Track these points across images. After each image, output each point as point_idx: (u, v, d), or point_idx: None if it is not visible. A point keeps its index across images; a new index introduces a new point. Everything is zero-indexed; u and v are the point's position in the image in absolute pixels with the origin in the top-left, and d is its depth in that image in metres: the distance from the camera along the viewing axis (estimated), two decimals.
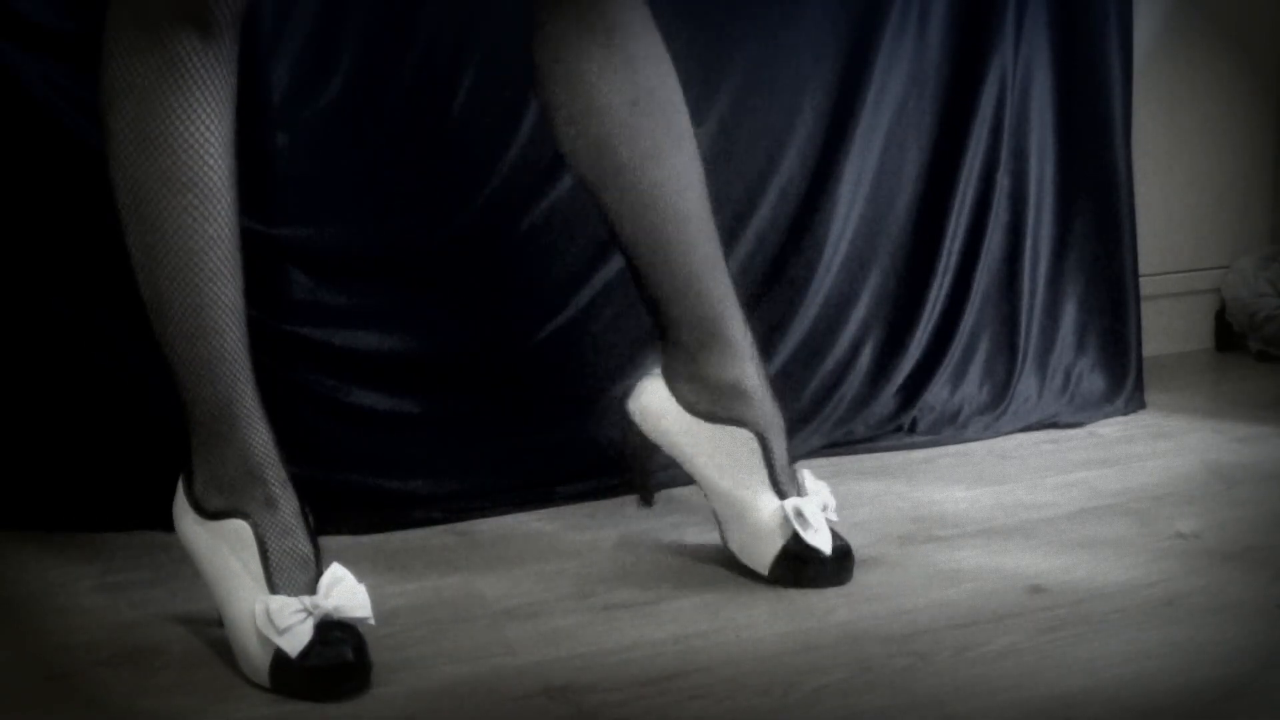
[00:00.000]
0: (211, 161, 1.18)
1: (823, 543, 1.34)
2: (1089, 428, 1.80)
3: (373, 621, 1.20)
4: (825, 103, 1.72)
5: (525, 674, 1.20)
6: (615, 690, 1.17)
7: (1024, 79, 1.80)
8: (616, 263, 1.64)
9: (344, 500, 1.52)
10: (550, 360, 1.62)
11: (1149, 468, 1.65)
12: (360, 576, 1.35)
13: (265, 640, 1.17)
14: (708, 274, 1.36)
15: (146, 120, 1.18)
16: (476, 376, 1.61)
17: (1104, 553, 1.42)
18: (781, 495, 1.36)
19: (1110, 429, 1.80)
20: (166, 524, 1.49)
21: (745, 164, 1.69)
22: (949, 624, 1.27)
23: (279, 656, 1.17)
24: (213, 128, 1.18)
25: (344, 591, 1.20)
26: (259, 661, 1.18)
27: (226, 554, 1.22)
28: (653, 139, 1.33)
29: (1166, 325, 2.08)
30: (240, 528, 1.22)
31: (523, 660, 1.22)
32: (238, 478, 1.23)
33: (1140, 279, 1.90)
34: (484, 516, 1.53)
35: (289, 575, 1.20)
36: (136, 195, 1.19)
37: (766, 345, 1.71)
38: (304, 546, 1.22)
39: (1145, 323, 1.91)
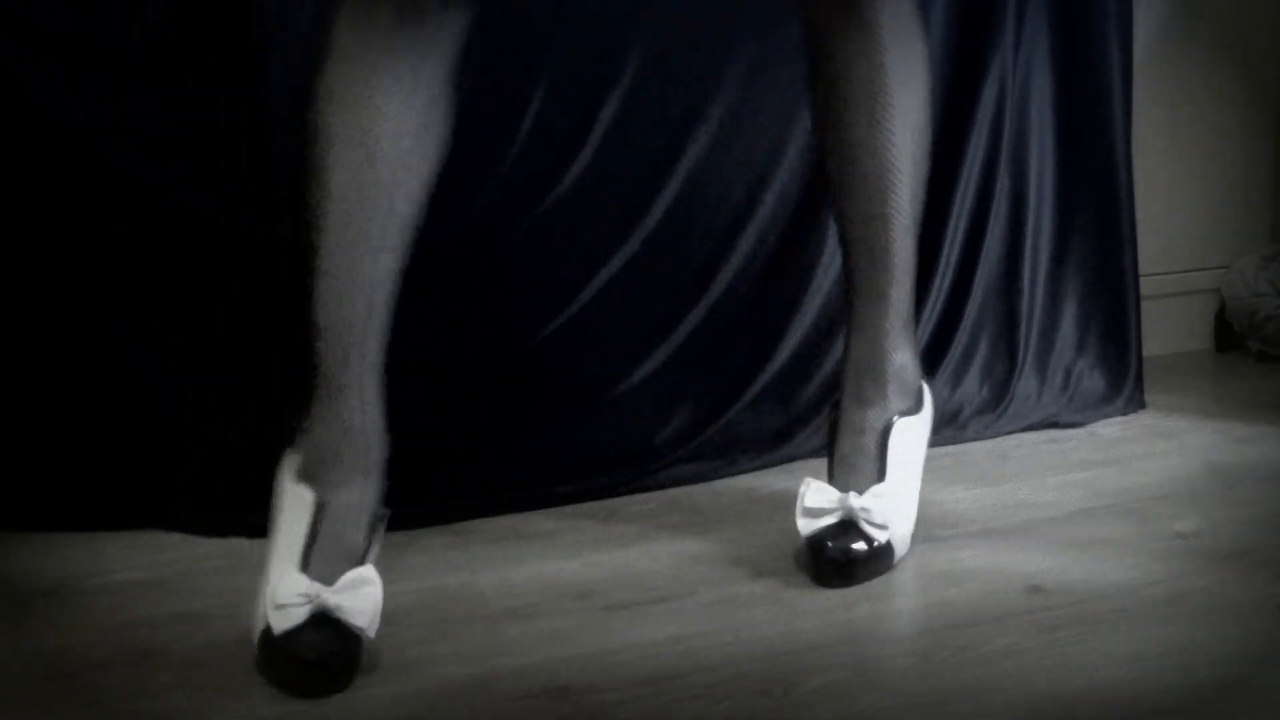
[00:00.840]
0: (389, 128, 1.19)
1: (803, 528, 1.37)
2: (1089, 428, 1.80)
3: (371, 635, 1.19)
4: None
5: (525, 674, 1.20)
6: (615, 690, 1.17)
7: (1024, 79, 1.80)
8: (617, 262, 1.64)
9: None
10: (550, 360, 1.62)
11: (1149, 468, 1.65)
12: None
13: (264, 612, 1.18)
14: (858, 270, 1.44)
15: (343, 78, 1.20)
16: (476, 376, 1.61)
17: (1104, 553, 1.41)
18: (830, 481, 1.40)
19: (1110, 429, 1.80)
20: (166, 524, 1.49)
21: (745, 164, 1.69)
22: (949, 624, 1.27)
23: (265, 631, 1.18)
24: (399, 98, 1.20)
25: (356, 596, 1.19)
26: (255, 630, 1.19)
27: (289, 518, 1.22)
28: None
29: (1166, 325, 2.08)
30: (308, 498, 1.22)
31: (523, 660, 1.22)
32: (328, 448, 1.24)
33: (1140, 279, 1.90)
34: (484, 516, 1.53)
35: (324, 561, 1.20)
36: (317, 148, 1.21)
37: (766, 346, 1.71)
38: (355, 539, 1.22)
39: (1145, 323, 1.91)
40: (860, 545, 1.36)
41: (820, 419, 1.72)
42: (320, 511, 1.21)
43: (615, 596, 1.34)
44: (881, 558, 1.37)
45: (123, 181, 1.50)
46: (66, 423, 1.51)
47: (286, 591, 1.17)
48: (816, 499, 1.37)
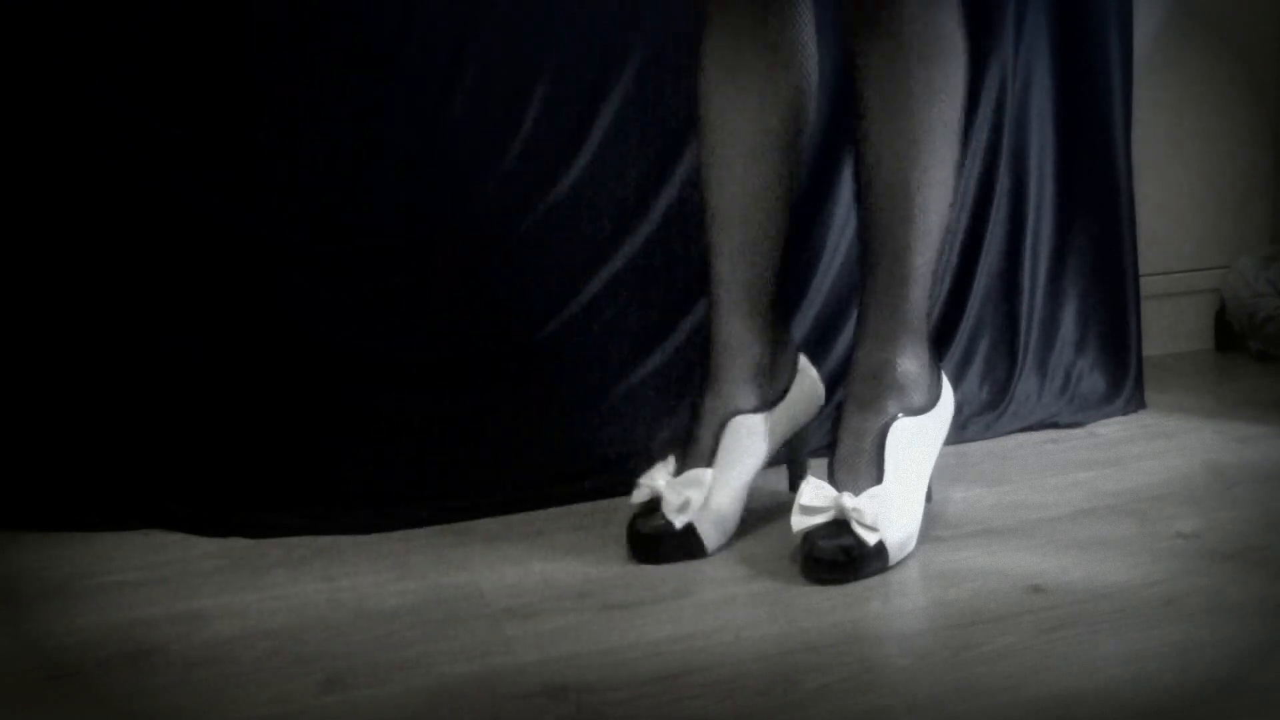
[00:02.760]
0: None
1: (796, 524, 1.38)
2: (1089, 428, 1.80)
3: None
4: (825, 103, 1.72)
5: (525, 674, 1.20)
6: (615, 690, 1.17)
7: (1024, 79, 1.80)
8: (617, 262, 1.65)
9: (344, 500, 1.52)
10: (550, 360, 1.62)
11: (1149, 468, 1.65)
12: (360, 576, 1.35)
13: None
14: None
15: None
16: (476, 376, 1.61)
17: (1104, 553, 1.42)
18: (830, 481, 1.41)
19: (1110, 429, 1.80)
20: (166, 524, 1.50)
21: None
22: (949, 624, 1.27)
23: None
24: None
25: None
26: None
27: None
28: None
29: (1166, 325, 2.08)
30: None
31: (523, 660, 1.22)
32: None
33: (1140, 279, 1.90)
34: (484, 516, 1.53)
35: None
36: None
37: None
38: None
39: (1145, 323, 1.91)
40: (850, 544, 1.36)
41: (820, 418, 1.72)
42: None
43: (615, 596, 1.34)
44: (872, 559, 1.37)
45: (123, 181, 1.50)
46: (67, 423, 1.51)
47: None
48: (812, 497, 1.38)
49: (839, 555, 1.36)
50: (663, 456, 1.46)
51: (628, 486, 1.59)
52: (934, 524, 1.49)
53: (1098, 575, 1.36)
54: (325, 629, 1.28)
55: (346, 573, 1.39)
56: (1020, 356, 1.83)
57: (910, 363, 1.44)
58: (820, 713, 1.13)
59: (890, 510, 1.38)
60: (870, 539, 1.36)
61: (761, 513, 1.53)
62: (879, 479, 1.39)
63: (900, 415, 1.42)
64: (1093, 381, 1.87)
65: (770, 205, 1.44)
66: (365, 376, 1.57)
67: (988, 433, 1.77)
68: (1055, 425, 1.80)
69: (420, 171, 1.59)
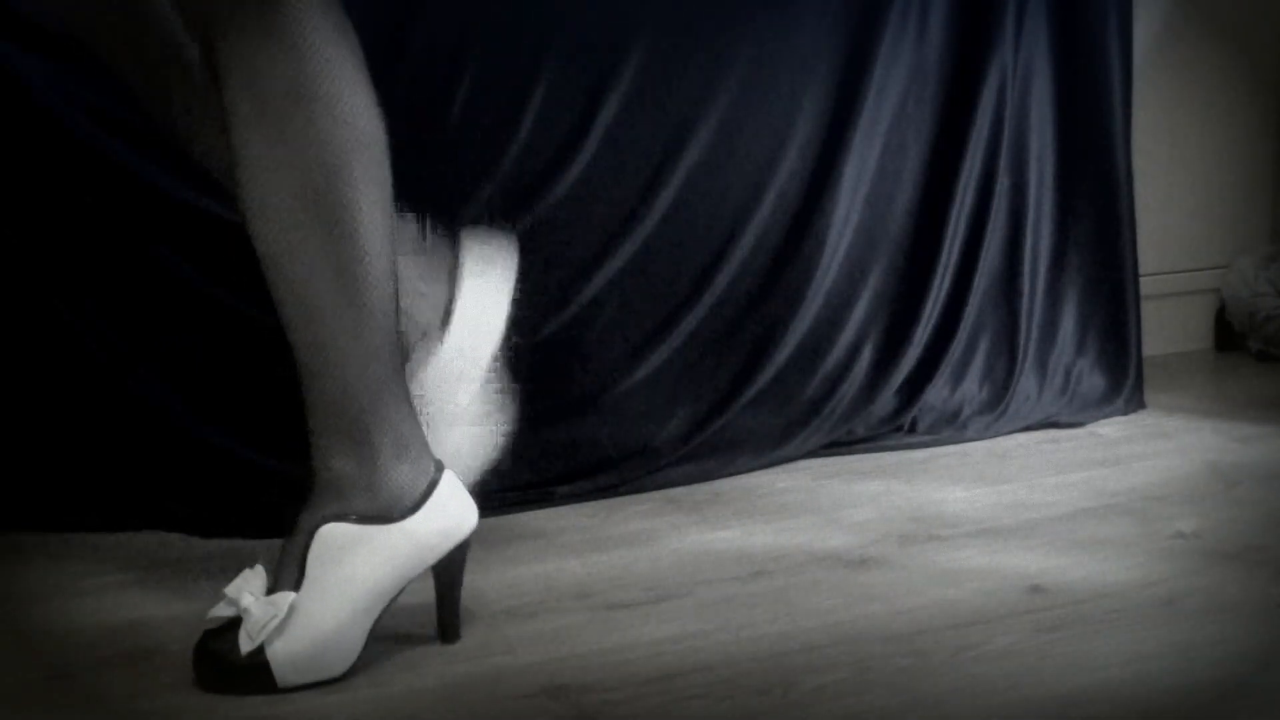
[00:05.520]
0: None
1: (212, 610, 1.22)
2: (1089, 428, 1.80)
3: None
4: (825, 103, 1.72)
5: (525, 674, 1.20)
6: (615, 690, 1.17)
7: (1024, 79, 1.80)
8: (617, 262, 1.64)
9: None
10: (550, 360, 1.62)
11: (1149, 468, 1.65)
12: None
13: None
14: None
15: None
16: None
17: (1104, 553, 1.42)
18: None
19: (1110, 429, 1.80)
20: (166, 524, 1.49)
21: (745, 164, 1.69)
22: (949, 624, 1.27)
23: None
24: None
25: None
26: None
27: None
28: None
29: (1166, 325, 2.08)
30: None
31: (523, 660, 1.22)
32: None
33: (1140, 279, 1.90)
34: (484, 516, 1.52)
35: None
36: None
37: (766, 345, 1.71)
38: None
39: (1145, 323, 1.91)
40: (225, 650, 1.19)
41: (820, 418, 1.72)
42: None
43: (615, 596, 1.34)
44: (244, 673, 1.18)
45: (123, 181, 1.50)
46: (67, 423, 1.51)
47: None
48: (235, 585, 1.21)
49: (211, 658, 1.20)
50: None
51: (628, 487, 1.60)
52: (934, 524, 1.49)
53: (1098, 575, 1.36)
54: None
55: None
56: (1020, 356, 1.83)
57: (344, 463, 1.22)
58: (820, 713, 1.13)
59: (291, 625, 1.19)
60: (246, 648, 1.18)
61: (761, 513, 1.53)
62: (297, 585, 1.20)
63: (331, 520, 1.21)
64: (1093, 381, 1.87)
65: None
66: None
67: (987, 433, 1.77)
68: (1055, 425, 1.80)
69: (420, 172, 1.59)
